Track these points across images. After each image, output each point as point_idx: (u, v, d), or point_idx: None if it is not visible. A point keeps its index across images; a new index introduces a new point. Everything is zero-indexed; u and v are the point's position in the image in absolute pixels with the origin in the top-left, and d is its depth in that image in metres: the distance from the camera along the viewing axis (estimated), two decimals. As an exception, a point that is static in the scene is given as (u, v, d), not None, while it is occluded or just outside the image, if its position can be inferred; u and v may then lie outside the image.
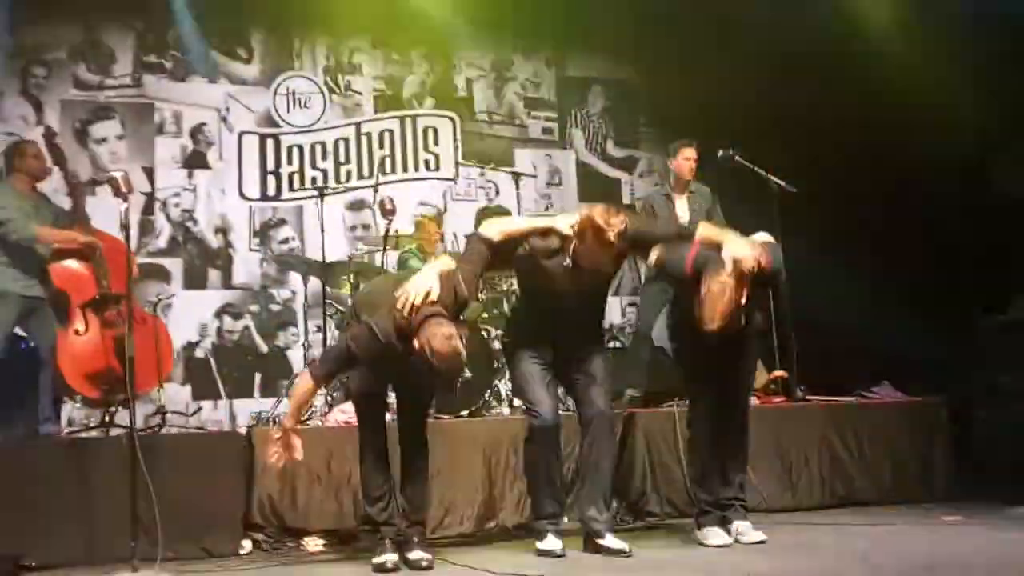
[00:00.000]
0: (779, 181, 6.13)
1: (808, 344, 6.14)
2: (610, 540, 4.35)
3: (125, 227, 4.39)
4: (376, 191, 6.88)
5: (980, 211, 6.84)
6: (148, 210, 7.42)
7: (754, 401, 6.22)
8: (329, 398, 5.91)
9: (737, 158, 6.20)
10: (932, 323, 6.90)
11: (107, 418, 5.24)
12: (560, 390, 4.78)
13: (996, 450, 6.49)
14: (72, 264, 5.30)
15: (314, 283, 6.75)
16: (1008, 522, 4.84)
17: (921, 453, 5.96)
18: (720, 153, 6.26)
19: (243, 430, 5.65)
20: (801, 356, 6.14)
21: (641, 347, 6.26)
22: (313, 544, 4.86)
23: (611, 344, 6.86)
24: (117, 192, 4.36)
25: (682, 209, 6.18)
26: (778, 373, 6.33)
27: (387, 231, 5.97)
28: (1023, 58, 6.40)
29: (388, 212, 5.87)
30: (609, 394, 4.59)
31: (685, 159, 6.24)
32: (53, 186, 5.74)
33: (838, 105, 7.17)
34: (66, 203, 5.58)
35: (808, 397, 6.16)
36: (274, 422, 5.75)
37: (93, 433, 5.34)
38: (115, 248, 5.26)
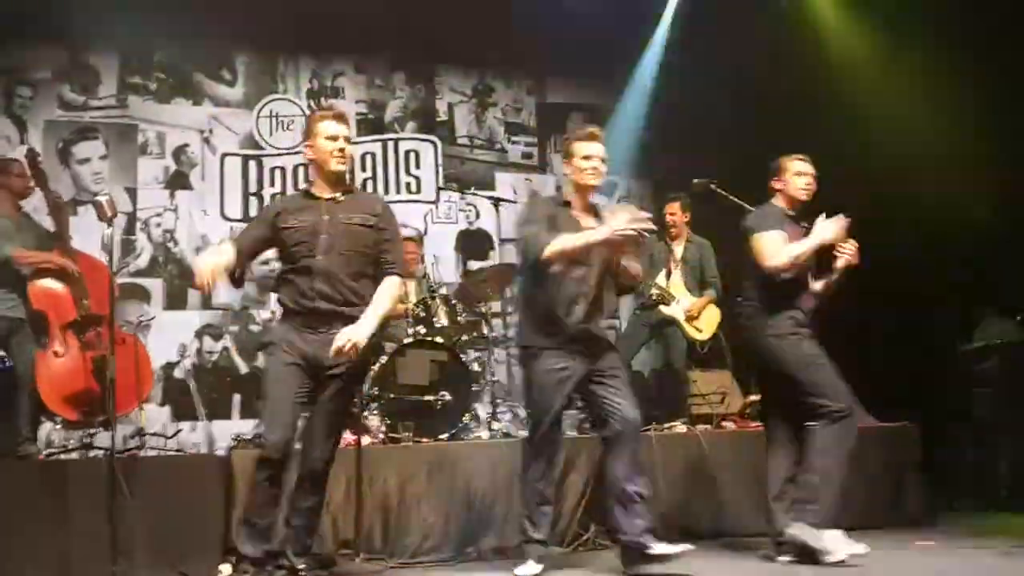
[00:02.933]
0: (752, 209, 6.17)
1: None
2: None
3: (108, 250, 4.41)
4: None
5: (954, 237, 6.95)
6: (129, 230, 7.44)
7: (730, 426, 6.31)
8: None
9: (712, 186, 6.23)
10: (907, 349, 7.00)
11: (86, 440, 5.23)
12: None
13: (970, 475, 6.60)
14: (52, 284, 5.24)
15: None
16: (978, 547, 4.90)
17: (894, 478, 6.03)
18: (695, 181, 6.28)
19: (222, 452, 5.64)
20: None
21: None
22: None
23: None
24: (102, 216, 4.39)
25: None
26: (754, 398, 6.39)
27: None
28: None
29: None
30: None
31: None
32: (34, 205, 5.74)
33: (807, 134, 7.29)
34: (47, 222, 5.62)
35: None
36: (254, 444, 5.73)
37: (72, 455, 5.31)
38: (96, 268, 5.28)
